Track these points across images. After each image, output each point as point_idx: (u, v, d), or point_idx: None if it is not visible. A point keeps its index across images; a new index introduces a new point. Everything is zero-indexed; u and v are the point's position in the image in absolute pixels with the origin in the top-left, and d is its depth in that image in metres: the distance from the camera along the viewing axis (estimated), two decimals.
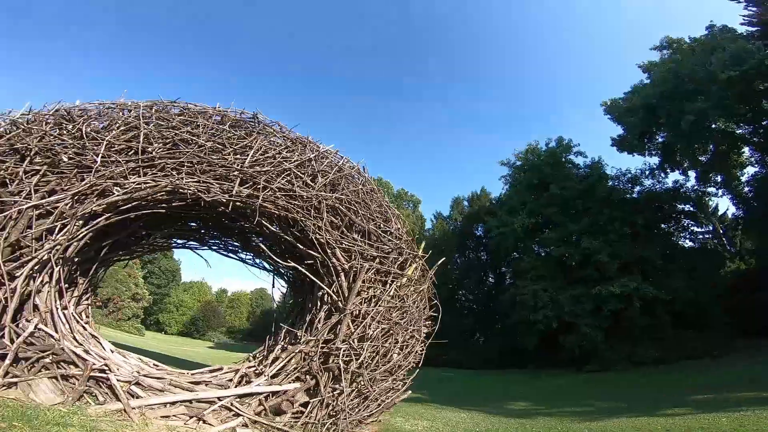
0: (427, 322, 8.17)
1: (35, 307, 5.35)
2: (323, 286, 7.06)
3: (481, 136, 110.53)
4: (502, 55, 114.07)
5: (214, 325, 54.93)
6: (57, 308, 5.64)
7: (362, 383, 6.38)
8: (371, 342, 6.68)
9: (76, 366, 5.00)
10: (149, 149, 6.42)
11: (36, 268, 5.30)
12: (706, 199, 23.91)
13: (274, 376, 6.08)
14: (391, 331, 7.17)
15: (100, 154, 6.01)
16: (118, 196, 5.83)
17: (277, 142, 7.71)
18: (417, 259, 8.34)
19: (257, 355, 7.93)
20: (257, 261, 10.24)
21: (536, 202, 22.80)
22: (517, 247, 24.09)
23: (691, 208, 23.40)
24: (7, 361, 4.54)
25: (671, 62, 19.38)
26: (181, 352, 24.84)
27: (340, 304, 6.82)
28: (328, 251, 7.09)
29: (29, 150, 6.02)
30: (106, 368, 5.09)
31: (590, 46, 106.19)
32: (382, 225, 8.02)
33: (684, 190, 23.05)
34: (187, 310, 55.94)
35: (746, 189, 22.04)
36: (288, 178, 7.10)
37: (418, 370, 7.80)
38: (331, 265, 7.05)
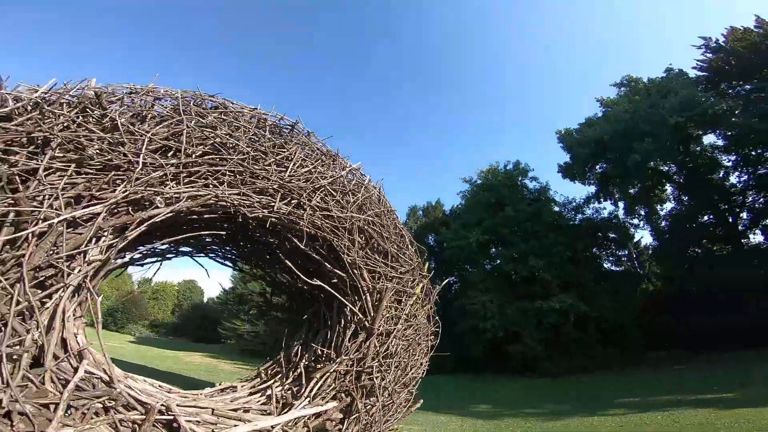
0: (430, 336, 8.85)
1: (64, 343, 4.46)
2: (350, 305, 7.30)
3: (437, 147, 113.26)
4: (468, 71, 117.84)
5: (135, 317, 50.33)
6: (78, 338, 4.70)
7: (387, 396, 6.90)
8: (395, 358, 7.21)
9: (131, 408, 4.43)
10: (189, 151, 5.73)
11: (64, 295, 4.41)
12: (629, 228, 27.60)
13: (314, 397, 6.24)
14: (410, 347, 7.72)
15: (142, 155, 5.19)
16: (160, 208, 5.12)
17: (311, 155, 7.57)
18: (423, 279, 8.97)
19: (268, 371, 7.90)
20: (254, 271, 10.18)
21: (492, 221, 24.60)
22: (469, 259, 25.75)
23: (617, 237, 26.82)
24: (60, 412, 3.85)
25: (629, 102, 21.70)
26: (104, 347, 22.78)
27: (366, 323, 7.16)
28: (356, 272, 7.37)
29: (49, 141, 4.91)
30: (165, 408, 4.64)
31: (553, 73, 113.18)
32: (397, 246, 8.46)
33: (615, 221, 26.44)
34: (104, 300, 50.55)
35: (663, 223, 25.82)
36: (322, 195, 7.23)
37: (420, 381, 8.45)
38: (358, 285, 7.33)
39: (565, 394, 15.19)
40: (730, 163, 22.39)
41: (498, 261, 25.50)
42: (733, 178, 22.58)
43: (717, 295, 20.60)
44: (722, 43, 20.58)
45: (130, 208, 5.03)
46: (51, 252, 4.26)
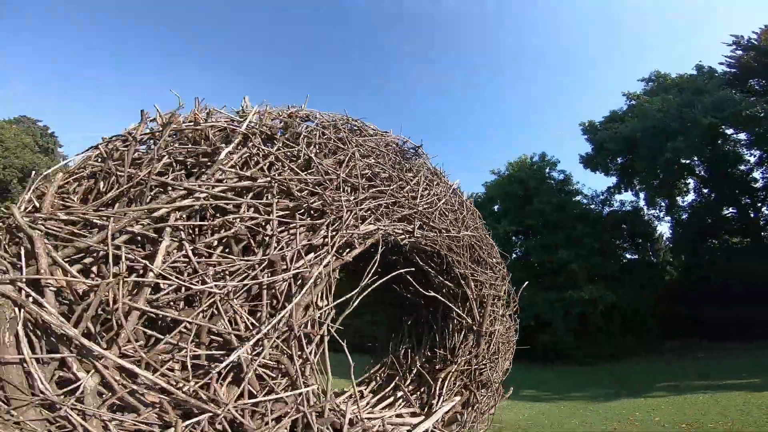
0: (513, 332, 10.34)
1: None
2: (457, 310, 8.69)
3: (446, 135, 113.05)
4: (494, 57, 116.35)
5: None
6: None
7: (494, 387, 8.51)
8: (499, 354, 8.77)
9: None
10: (360, 185, 5.92)
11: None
12: (652, 220, 29.48)
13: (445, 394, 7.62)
14: (506, 343, 9.28)
15: (343, 197, 5.40)
16: (356, 248, 5.41)
17: (429, 177, 8.33)
18: (506, 282, 10.39)
19: (380, 375, 9.31)
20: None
21: (520, 212, 26.14)
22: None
23: (640, 228, 28.63)
24: None
25: (662, 101, 22.68)
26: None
27: (474, 327, 8.59)
28: (464, 282, 8.72)
29: (281, 190, 4.84)
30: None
31: (577, 62, 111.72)
32: (488, 254, 9.81)
33: (641, 213, 28.28)
34: None
35: (684, 215, 27.69)
36: (439, 215, 8.31)
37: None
38: (467, 294, 8.71)
39: (599, 381, 16.57)
40: (753, 159, 23.93)
41: (519, 251, 27.33)
42: (756, 174, 24.21)
43: (733, 287, 22.08)
44: (754, 41, 21.76)
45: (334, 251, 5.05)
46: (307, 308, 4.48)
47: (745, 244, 25.27)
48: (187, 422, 3.30)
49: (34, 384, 3.05)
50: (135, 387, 3.31)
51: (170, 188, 4.25)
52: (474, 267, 8.95)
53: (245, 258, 4.25)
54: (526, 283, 10.76)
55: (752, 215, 24.46)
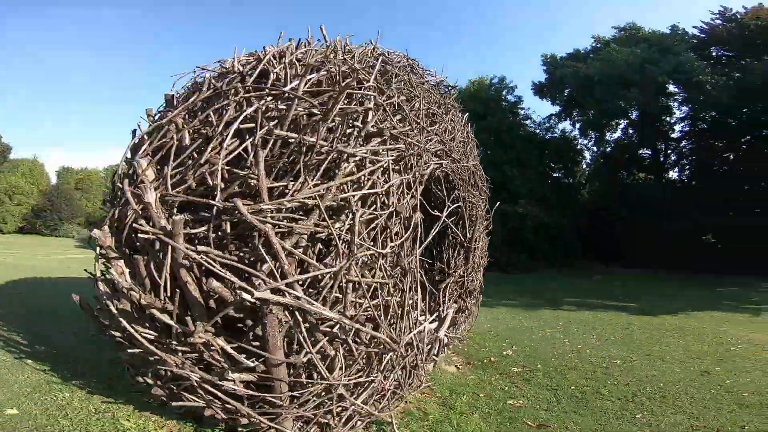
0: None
1: None
2: (456, 230, 9.92)
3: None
4: None
5: (67, 215, 45.86)
6: None
7: (477, 295, 10.33)
8: (480, 268, 10.47)
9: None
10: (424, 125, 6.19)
11: None
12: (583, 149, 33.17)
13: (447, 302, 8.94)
14: (485, 258, 10.97)
15: (421, 141, 5.57)
16: (421, 186, 5.69)
17: (454, 112, 8.68)
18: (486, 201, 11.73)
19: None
20: None
21: (475, 127, 27.23)
22: None
23: (572, 155, 32.13)
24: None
25: (630, 54, 23.82)
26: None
27: (465, 243, 10.01)
28: (461, 203, 9.84)
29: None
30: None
31: None
32: (481, 177, 10.88)
33: (575, 142, 31.75)
34: (24, 199, 45.31)
35: (608, 149, 31.48)
36: (456, 146, 8.77)
37: None
38: (462, 214, 9.90)
39: (524, 291, 18.92)
40: (679, 113, 27.33)
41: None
42: (677, 126, 28.07)
43: (639, 217, 26.11)
44: (739, 15, 22.68)
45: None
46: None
47: (648, 181, 29.82)
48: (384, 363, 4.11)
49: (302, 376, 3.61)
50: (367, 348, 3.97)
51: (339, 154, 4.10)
52: (471, 191, 10.11)
53: (380, 212, 4.45)
54: (498, 203, 12.01)
55: (662, 159, 28.65)
